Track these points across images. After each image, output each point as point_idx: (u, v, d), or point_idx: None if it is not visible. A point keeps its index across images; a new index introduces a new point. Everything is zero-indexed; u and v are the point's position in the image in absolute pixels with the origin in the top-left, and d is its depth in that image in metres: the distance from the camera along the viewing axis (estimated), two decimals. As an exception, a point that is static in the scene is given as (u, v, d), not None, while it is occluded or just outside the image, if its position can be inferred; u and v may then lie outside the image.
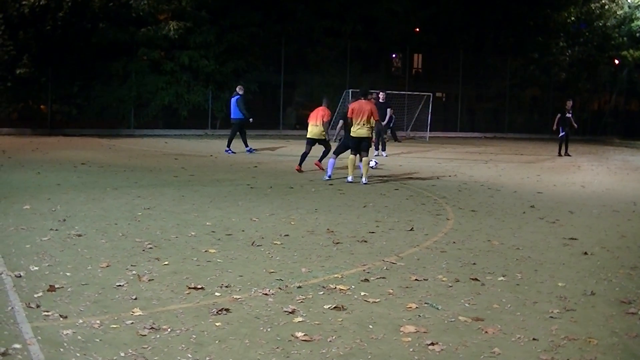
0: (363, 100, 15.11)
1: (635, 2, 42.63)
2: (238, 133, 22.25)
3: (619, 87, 46.04)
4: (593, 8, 42.59)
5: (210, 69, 31.61)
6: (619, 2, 42.61)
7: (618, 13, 42.65)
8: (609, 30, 42.79)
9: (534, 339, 5.48)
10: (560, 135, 25.56)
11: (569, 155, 25.48)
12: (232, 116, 22.25)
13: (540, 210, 12.26)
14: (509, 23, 41.16)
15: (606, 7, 42.52)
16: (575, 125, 25.89)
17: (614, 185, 16.87)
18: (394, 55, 44.91)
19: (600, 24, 42.88)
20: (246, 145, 22.32)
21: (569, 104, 25.78)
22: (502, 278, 7.33)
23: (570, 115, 25.36)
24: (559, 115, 25.62)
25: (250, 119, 22.04)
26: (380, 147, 22.99)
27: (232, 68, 32.35)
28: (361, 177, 15.09)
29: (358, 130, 14.86)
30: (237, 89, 22.33)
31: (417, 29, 41.07)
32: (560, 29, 42.98)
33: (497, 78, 42.77)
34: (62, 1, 27.97)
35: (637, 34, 43.12)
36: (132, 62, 30.33)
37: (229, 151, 21.94)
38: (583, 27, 43.43)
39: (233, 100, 22.09)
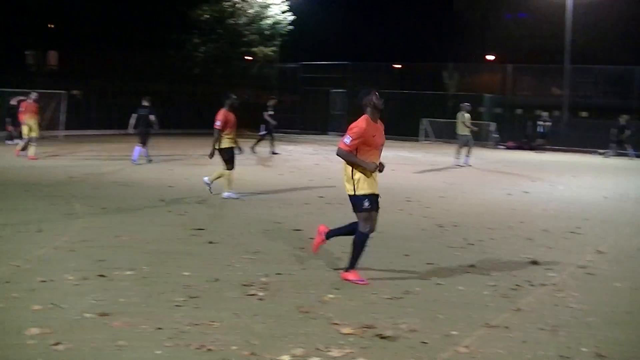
0: None
1: (265, 2, 44.80)
2: None
3: (251, 81, 48.11)
4: (225, 6, 44.08)
5: None
6: (250, 1, 44.46)
7: (249, 12, 44.51)
8: (241, 27, 44.53)
9: (158, 328, 5.77)
10: (261, 132, 26.03)
11: (275, 154, 25.63)
12: None
13: (170, 204, 12.66)
14: (144, 19, 41.25)
15: (237, 5, 44.21)
16: (273, 122, 25.75)
17: (242, 175, 17.68)
18: (27, 52, 43.02)
19: (232, 22, 44.46)
20: None
21: (271, 102, 26.01)
22: (129, 272, 7.54)
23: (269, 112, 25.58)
24: (264, 113, 25.74)
25: None
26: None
27: None
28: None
29: None
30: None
31: (52, 25, 39.76)
32: (195, 26, 43.90)
33: (134, 74, 42.65)
34: None
35: (266, 32, 45.43)
36: None
37: None
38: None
39: None
